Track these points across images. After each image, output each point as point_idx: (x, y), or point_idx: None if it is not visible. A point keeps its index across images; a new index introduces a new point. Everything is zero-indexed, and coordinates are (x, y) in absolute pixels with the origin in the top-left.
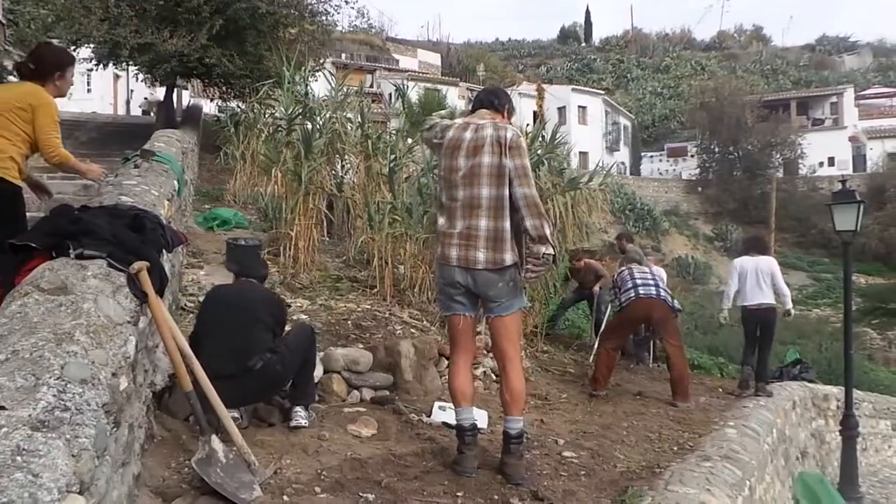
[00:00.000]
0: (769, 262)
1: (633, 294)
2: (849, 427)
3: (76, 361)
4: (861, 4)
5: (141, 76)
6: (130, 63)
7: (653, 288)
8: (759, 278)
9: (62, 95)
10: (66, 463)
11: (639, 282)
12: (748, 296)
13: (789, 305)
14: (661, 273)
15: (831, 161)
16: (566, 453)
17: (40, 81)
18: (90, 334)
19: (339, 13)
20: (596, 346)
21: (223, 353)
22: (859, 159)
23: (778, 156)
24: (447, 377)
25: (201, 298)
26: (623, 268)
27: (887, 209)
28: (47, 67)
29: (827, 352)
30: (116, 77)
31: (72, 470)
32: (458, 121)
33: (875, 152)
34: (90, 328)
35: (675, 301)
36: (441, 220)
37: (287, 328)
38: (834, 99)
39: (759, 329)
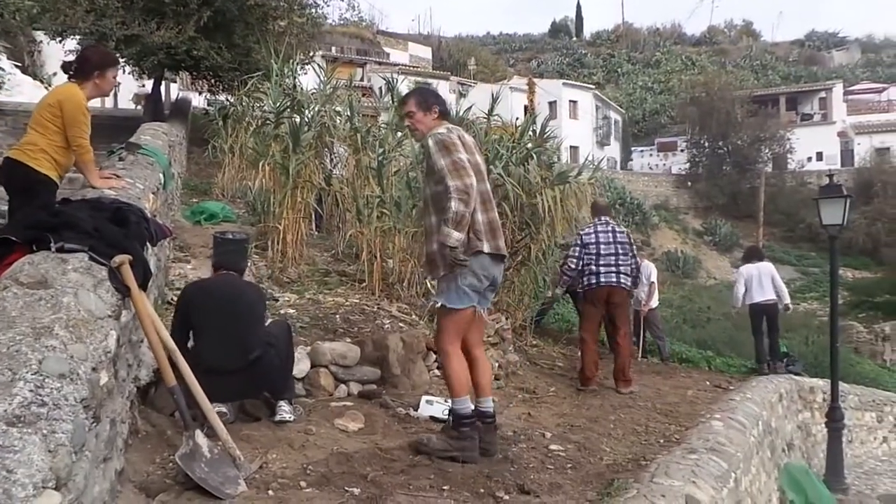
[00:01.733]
0: (769, 266)
1: (594, 280)
2: (834, 419)
3: (54, 356)
4: (850, 0)
5: (128, 69)
6: (117, 55)
7: (613, 275)
8: (762, 280)
9: (104, 94)
10: (41, 458)
11: (602, 262)
12: (754, 295)
13: (787, 300)
14: (652, 269)
15: (820, 156)
16: (553, 446)
17: (80, 80)
18: (70, 328)
19: (328, 6)
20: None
21: (225, 348)
22: (847, 154)
23: (767, 151)
24: (456, 371)
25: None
26: (588, 227)
27: (874, 204)
28: (87, 68)
29: (814, 345)
30: None
31: (48, 465)
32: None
33: (863, 147)
34: (70, 322)
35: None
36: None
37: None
38: (823, 94)
39: (766, 321)
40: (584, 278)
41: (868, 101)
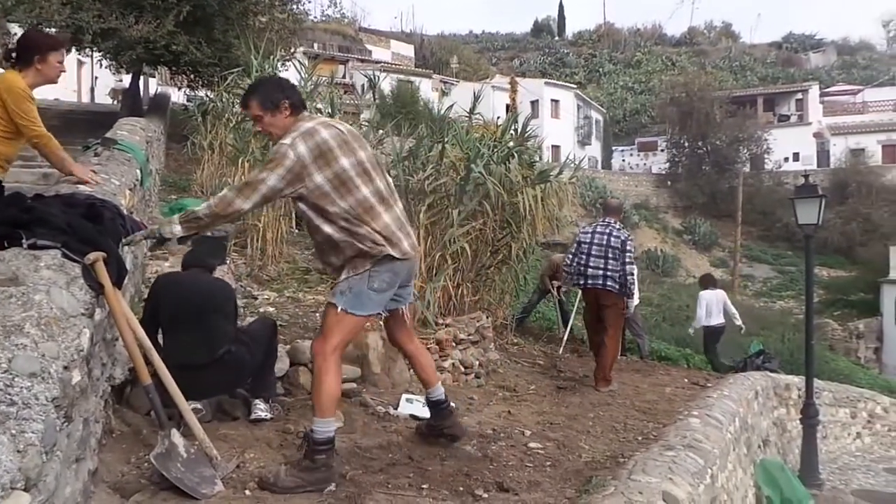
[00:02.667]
0: (722, 294)
1: (582, 281)
2: (809, 416)
3: (25, 354)
4: (826, 3)
5: (105, 63)
6: (94, 49)
7: (600, 278)
8: (718, 306)
9: (50, 81)
10: (10, 459)
11: (591, 263)
12: (713, 318)
13: (739, 321)
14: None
15: (796, 156)
16: (532, 444)
17: (21, 67)
18: (41, 326)
19: (310, 2)
20: (565, 338)
21: (190, 343)
22: (823, 155)
23: (745, 151)
24: (330, 387)
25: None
26: (589, 226)
27: (849, 204)
28: (28, 53)
29: (789, 342)
30: (80, 63)
31: (16, 466)
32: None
33: (838, 148)
34: (41, 320)
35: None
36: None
37: (249, 320)
38: (799, 96)
39: (718, 340)
40: (575, 277)
41: (843, 103)
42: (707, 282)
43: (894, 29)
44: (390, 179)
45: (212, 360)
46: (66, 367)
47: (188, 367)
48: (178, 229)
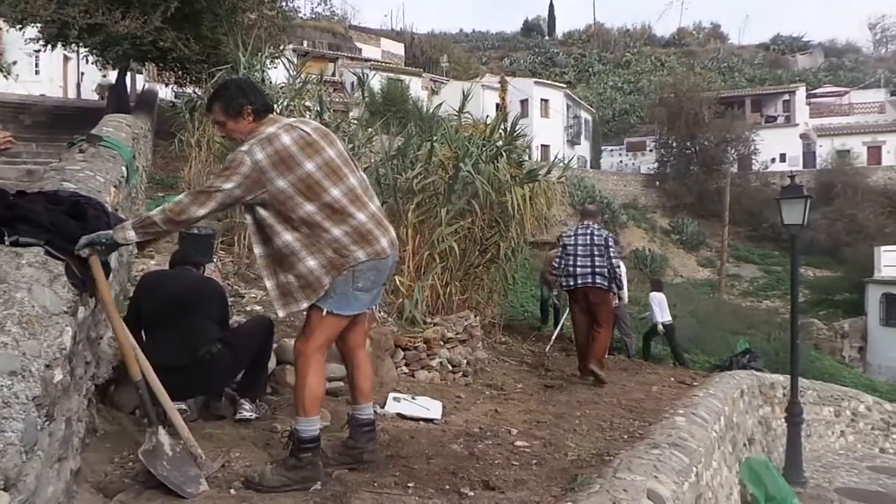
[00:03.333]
0: (663, 296)
1: (572, 282)
2: (794, 414)
3: (5, 353)
4: (813, 6)
5: (92, 59)
6: (80, 45)
7: (589, 276)
8: (664, 305)
9: None
10: None
11: (579, 263)
12: (665, 316)
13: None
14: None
15: (783, 157)
16: (519, 443)
17: None
18: (22, 324)
19: None
20: (555, 336)
21: (169, 343)
22: (809, 156)
23: (733, 151)
24: (313, 386)
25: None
26: (571, 231)
27: (835, 204)
28: None
29: (775, 342)
30: (66, 59)
31: None
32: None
33: (824, 149)
34: (23, 318)
35: (618, 275)
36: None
37: (243, 319)
38: (786, 97)
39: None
40: (564, 279)
41: (830, 105)
42: (657, 285)
43: (880, 32)
44: (364, 175)
45: (190, 361)
46: (47, 366)
47: (166, 367)
48: (131, 235)
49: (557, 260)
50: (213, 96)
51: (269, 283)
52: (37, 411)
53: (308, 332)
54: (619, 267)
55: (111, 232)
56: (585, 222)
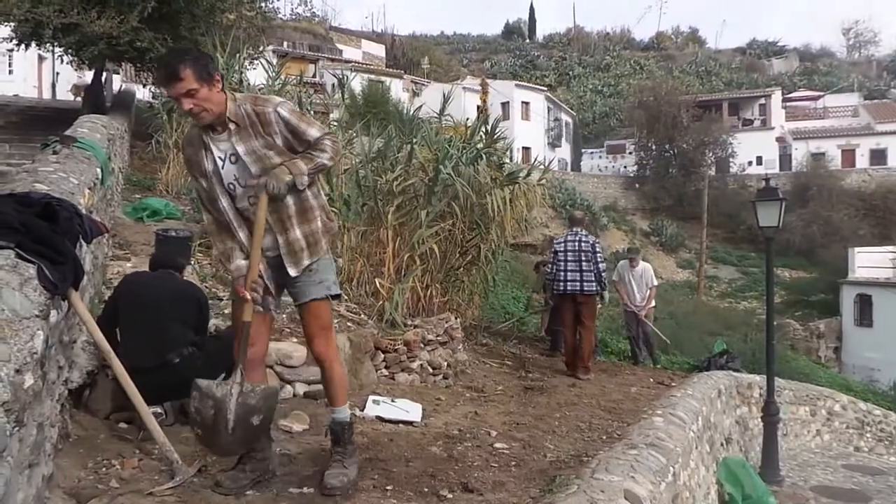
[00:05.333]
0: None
1: (562, 288)
2: (770, 413)
3: None
4: (789, 11)
5: (67, 59)
6: (55, 44)
7: (577, 282)
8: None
9: None
10: None
11: (570, 269)
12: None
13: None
14: (650, 273)
15: (759, 160)
16: (498, 444)
17: None
18: None
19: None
20: (544, 326)
21: (140, 347)
22: (785, 159)
23: (710, 154)
24: (344, 375)
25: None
26: (561, 238)
27: (810, 207)
28: None
29: (752, 342)
30: (41, 59)
31: None
32: None
33: (800, 152)
34: None
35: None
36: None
37: (221, 323)
38: (763, 101)
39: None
40: (554, 284)
41: (805, 108)
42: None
43: (854, 37)
44: None
45: (160, 365)
46: (17, 371)
47: (136, 368)
48: (305, 179)
49: (551, 265)
50: (179, 60)
51: (296, 232)
52: (6, 416)
53: (324, 327)
54: (605, 270)
55: (291, 177)
56: (574, 229)
